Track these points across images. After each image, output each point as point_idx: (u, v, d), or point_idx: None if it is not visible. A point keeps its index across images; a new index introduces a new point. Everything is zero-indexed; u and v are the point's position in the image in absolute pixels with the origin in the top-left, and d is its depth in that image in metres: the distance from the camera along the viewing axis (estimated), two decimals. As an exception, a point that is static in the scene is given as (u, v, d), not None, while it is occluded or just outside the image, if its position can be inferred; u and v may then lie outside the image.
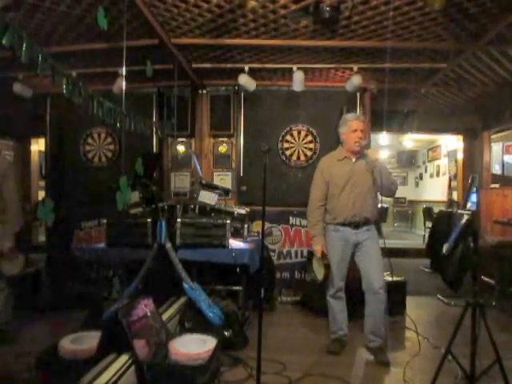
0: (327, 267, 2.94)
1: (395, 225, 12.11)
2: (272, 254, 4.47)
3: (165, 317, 2.69)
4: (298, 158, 4.58)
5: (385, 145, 11.34)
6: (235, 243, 3.53)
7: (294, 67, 4.03)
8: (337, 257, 3.01)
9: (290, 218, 4.52)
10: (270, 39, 3.46)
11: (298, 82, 4.07)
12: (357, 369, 2.84)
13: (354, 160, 3.04)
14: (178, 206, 3.56)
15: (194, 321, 2.92)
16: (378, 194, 3.07)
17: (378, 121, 4.78)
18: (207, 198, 3.59)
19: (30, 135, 6.44)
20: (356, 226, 2.99)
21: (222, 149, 4.70)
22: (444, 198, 9.06)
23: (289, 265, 4.51)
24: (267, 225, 4.45)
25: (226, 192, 3.89)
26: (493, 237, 4.94)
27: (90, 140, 4.73)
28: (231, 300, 3.33)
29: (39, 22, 3.11)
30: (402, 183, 12.74)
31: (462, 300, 2.29)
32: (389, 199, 10.61)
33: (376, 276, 2.94)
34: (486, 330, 2.07)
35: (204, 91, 4.67)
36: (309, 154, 4.57)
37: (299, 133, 4.59)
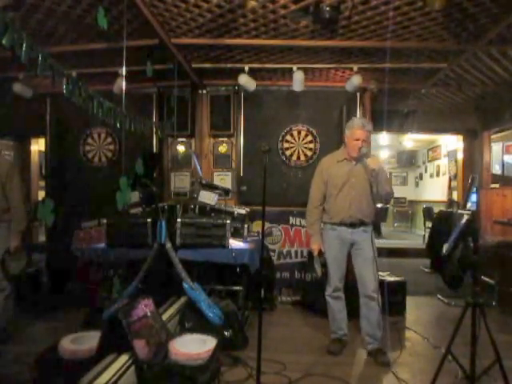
0: (324, 266, 2.97)
1: (395, 225, 12.11)
2: (272, 253, 4.47)
3: (165, 317, 2.69)
4: (298, 157, 4.58)
5: (385, 145, 11.36)
6: (235, 243, 3.53)
7: (294, 67, 4.03)
8: (334, 255, 3.02)
9: (290, 218, 4.52)
10: (270, 39, 3.46)
11: (298, 82, 4.07)
12: (357, 369, 2.84)
13: (353, 162, 3.05)
14: (178, 206, 3.56)
15: (194, 321, 2.92)
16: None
17: (378, 121, 4.77)
18: (207, 198, 3.59)
19: (30, 135, 6.43)
20: (352, 225, 3.00)
21: (222, 149, 4.70)
22: (444, 197, 9.06)
23: (289, 265, 4.51)
24: (267, 225, 4.45)
25: (226, 192, 3.89)
26: (493, 237, 4.94)
27: (89, 140, 4.73)
28: (231, 300, 3.33)
29: (39, 22, 3.11)
30: (402, 183, 12.76)
31: (462, 300, 2.28)
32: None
33: (369, 279, 2.95)
34: (486, 330, 2.07)
35: (204, 91, 4.67)
36: (309, 153, 4.57)
37: (299, 133, 4.59)
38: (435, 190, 10.22)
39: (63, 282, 4.31)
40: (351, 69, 4.10)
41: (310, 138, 4.57)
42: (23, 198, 3.25)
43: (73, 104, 2.15)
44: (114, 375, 1.82)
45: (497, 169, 6.86)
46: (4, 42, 1.56)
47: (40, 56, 1.77)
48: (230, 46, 3.60)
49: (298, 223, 4.51)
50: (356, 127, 3.01)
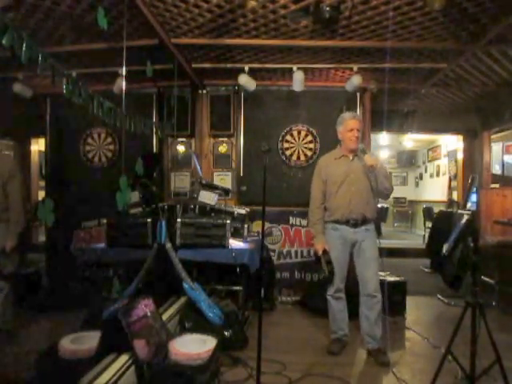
0: (330, 263, 2.93)
1: (395, 225, 12.11)
2: (272, 253, 4.46)
3: (165, 317, 2.69)
4: (298, 157, 4.58)
5: (385, 145, 11.36)
6: (235, 243, 3.53)
7: (294, 67, 4.03)
8: (335, 256, 3.00)
9: (290, 218, 4.52)
10: (270, 39, 3.46)
11: (298, 82, 4.07)
12: (357, 369, 2.84)
13: (351, 158, 3.06)
14: (178, 206, 3.56)
15: (193, 321, 2.92)
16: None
17: (377, 121, 4.79)
18: (207, 198, 3.59)
19: (30, 135, 6.44)
20: (354, 224, 3.00)
21: (222, 149, 4.70)
22: (444, 197, 9.06)
23: (289, 265, 4.51)
24: (267, 225, 4.45)
25: (226, 192, 3.89)
26: (493, 237, 4.94)
27: (89, 140, 4.73)
28: (231, 300, 3.33)
29: (39, 22, 3.11)
30: (402, 183, 12.75)
31: (462, 300, 2.28)
32: (389, 199, 10.62)
33: (371, 279, 2.95)
34: (486, 330, 2.07)
35: (204, 91, 4.67)
36: (309, 153, 4.57)
37: (299, 133, 4.59)
38: (435, 190, 10.22)
39: (63, 282, 4.31)
40: (351, 69, 4.10)
41: (309, 138, 4.57)
42: (23, 199, 3.25)
43: (73, 104, 2.15)
44: (114, 375, 1.82)
45: (497, 169, 6.87)
46: (4, 41, 1.56)
47: (40, 56, 1.77)
48: (229, 45, 3.60)
49: (297, 223, 4.52)
50: (347, 118, 3.06)
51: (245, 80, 4.06)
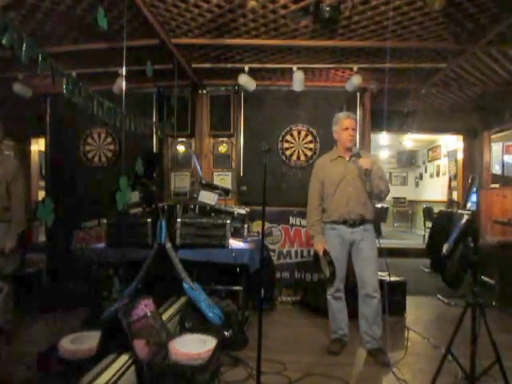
0: (331, 263, 2.93)
1: (395, 225, 12.11)
2: (272, 253, 4.46)
3: (165, 317, 2.69)
4: (298, 157, 4.58)
5: (385, 145, 11.36)
6: (235, 243, 3.53)
7: (294, 67, 4.03)
8: (334, 256, 3.00)
9: (290, 218, 4.52)
10: (270, 39, 3.46)
11: (298, 82, 4.07)
12: (357, 369, 2.84)
13: (347, 159, 3.06)
14: (178, 206, 3.56)
15: (193, 321, 2.92)
16: None
17: (377, 121, 4.78)
18: (207, 198, 3.59)
19: (30, 135, 6.44)
20: (352, 224, 3.00)
21: (222, 149, 4.70)
22: (444, 198, 9.06)
23: (289, 265, 4.51)
24: (267, 225, 4.45)
25: (226, 192, 3.88)
26: (493, 237, 4.94)
27: (90, 140, 4.73)
28: (231, 300, 3.33)
29: (39, 22, 3.11)
30: (402, 183, 12.76)
31: (462, 300, 2.29)
32: (389, 199, 10.63)
33: (369, 279, 2.95)
34: (486, 330, 2.07)
35: (204, 91, 4.67)
36: (309, 153, 4.56)
37: (299, 133, 4.59)
38: (435, 190, 10.22)
39: (63, 282, 4.31)
40: (351, 69, 4.10)
41: (310, 137, 4.57)
42: (25, 201, 3.25)
43: (73, 104, 2.15)
44: (114, 375, 1.82)
45: (497, 169, 6.87)
46: (4, 41, 1.56)
47: (40, 56, 1.77)
48: (229, 45, 3.60)
49: (297, 223, 4.51)
50: (342, 118, 3.08)
51: (245, 80, 4.06)
